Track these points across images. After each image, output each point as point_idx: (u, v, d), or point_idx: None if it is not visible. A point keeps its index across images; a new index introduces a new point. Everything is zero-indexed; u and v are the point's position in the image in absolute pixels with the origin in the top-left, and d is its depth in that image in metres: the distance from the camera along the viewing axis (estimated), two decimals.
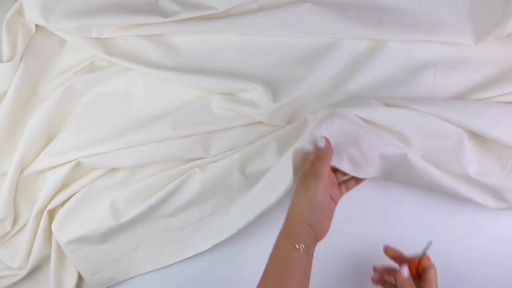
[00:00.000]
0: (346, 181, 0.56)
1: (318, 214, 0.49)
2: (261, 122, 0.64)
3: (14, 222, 0.66)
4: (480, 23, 0.59)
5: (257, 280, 0.70)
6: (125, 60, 0.62)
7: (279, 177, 0.60)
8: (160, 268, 0.70)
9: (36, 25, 0.62)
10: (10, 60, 0.61)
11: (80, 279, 0.68)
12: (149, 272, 0.71)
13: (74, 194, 0.65)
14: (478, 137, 0.59)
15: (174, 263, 0.70)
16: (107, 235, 0.65)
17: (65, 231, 0.64)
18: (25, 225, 0.67)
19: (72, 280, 0.68)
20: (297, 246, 0.48)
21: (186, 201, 0.66)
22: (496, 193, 0.60)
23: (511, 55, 0.62)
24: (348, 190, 0.56)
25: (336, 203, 0.53)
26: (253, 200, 0.64)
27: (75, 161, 0.61)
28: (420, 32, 0.60)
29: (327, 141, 0.53)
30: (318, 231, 0.50)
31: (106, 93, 0.65)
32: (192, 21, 0.61)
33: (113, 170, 0.65)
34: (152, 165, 0.66)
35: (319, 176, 0.50)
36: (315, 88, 0.63)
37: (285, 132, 0.63)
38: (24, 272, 0.67)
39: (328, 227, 0.51)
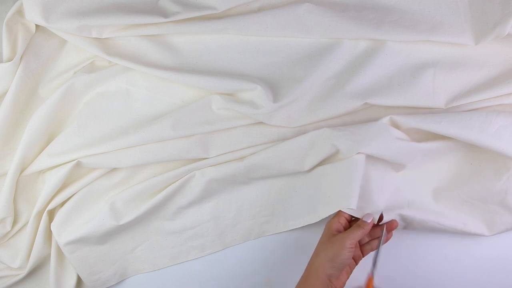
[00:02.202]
0: (370, 242, 0.59)
1: (339, 271, 0.53)
2: (261, 122, 0.64)
3: (14, 222, 0.66)
4: (479, 24, 0.59)
5: (253, 281, 0.70)
6: (125, 60, 0.62)
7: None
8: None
9: (36, 25, 0.62)
10: (10, 60, 0.60)
11: (80, 279, 0.68)
12: (146, 272, 0.71)
13: (74, 194, 0.65)
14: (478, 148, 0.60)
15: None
16: (106, 236, 0.65)
17: (64, 231, 0.64)
18: (25, 225, 0.67)
19: (72, 280, 0.68)
20: None
21: (185, 204, 0.66)
22: (489, 219, 0.63)
23: (511, 55, 0.62)
24: (372, 250, 0.58)
25: (357, 263, 0.56)
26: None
27: (75, 161, 0.61)
28: (420, 32, 0.60)
29: (372, 221, 0.56)
30: (335, 285, 0.53)
31: (106, 93, 0.65)
32: (192, 21, 0.61)
33: (113, 170, 0.65)
34: (152, 166, 0.66)
35: (351, 239, 0.53)
36: (315, 88, 0.63)
37: (290, 146, 0.63)
38: (24, 272, 0.67)
39: (344, 283, 0.54)
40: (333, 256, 0.52)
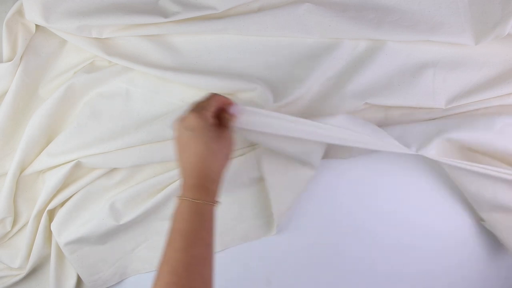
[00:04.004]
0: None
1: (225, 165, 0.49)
2: None
3: (14, 222, 0.66)
4: (479, 23, 0.59)
5: (253, 281, 0.69)
6: (125, 60, 0.62)
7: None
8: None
9: (36, 25, 0.62)
10: (10, 60, 0.60)
11: (80, 279, 0.68)
12: (146, 272, 0.71)
13: (74, 194, 0.65)
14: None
15: None
16: (106, 236, 0.65)
17: (64, 231, 0.64)
18: (25, 225, 0.67)
19: (72, 280, 0.68)
20: (215, 204, 0.47)
21: None
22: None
23: (511, 55, 0.62)
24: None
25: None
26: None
27: (75, 161, 0.61)
28: (420, 32, 0.60)
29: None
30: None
31: (106, 93, 0.65)
32: (192, 21, 0.61)
33: (113, 170, 0.65)
34: (152, 166, 0.66)
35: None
36: (315, 88, 0.63)
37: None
38: (24, 272, 0.67)
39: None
40: (225, 153, 0.49)
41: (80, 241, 0.65)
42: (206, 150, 0.47)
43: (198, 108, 0.48)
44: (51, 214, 0.66)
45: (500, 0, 0.58)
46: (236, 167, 0.64)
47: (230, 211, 0.67)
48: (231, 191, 0.67)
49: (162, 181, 0.64)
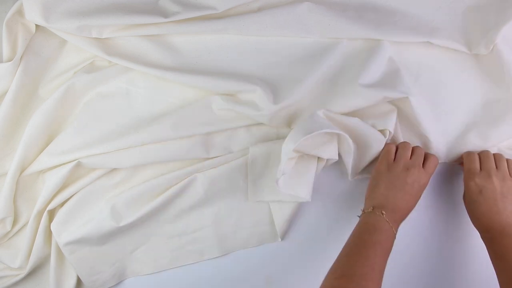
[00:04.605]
0: None
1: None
2: (262, 123, 0.64)
3: (14, 222, 0.66)
4: (475, 31, 0.60)
5: (253, 281, 0.68)
6: (125, 60, 0.62)
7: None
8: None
9: (36, 25, 0.62)
10: (10, 60, 0.60)
11: (80, 279, 0.68)
12: (145, 274, 0.70)
13: (74, 194, 0.65)
14: None
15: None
16: (106, 237, 0.65)
17: (64, 231, 0.64)
18: (25, 225, 0.67)
19: (72, 280, 0.68)
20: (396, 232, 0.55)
21: (187, 208, 0.66)
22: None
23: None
24: None
25: None
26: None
27: (75, 161, 0.61)
28: (419, 33, 0.60)
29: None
30: None
31: (106, 93, 0.65)
32: (192, 21, 0.61)
33: (113, 170, 0.65)
34: (153, 166, 0.66)
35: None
36: (315, 88, 0.63)
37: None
38: (24, 272, 0.67)
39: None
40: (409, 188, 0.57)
41: (79, 242, 0.64)
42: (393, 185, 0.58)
43: None
44: (51, 214, 0.66)
45: (496, 8, 0.58)
46: (230, 172, 0.64)
47: (231, 216, 0.67)
48: (233, 197, 0.66)
49: (163, 183, 0.64)
